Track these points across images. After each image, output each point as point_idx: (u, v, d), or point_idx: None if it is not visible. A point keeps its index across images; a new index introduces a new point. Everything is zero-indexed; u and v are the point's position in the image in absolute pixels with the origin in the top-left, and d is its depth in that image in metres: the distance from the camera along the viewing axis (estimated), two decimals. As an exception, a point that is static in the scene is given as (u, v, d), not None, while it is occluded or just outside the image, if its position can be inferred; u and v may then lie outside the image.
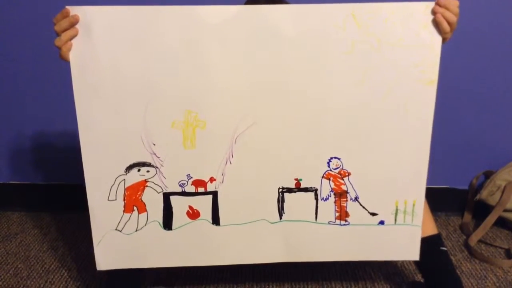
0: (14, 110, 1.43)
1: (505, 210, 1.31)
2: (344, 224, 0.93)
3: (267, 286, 1.13)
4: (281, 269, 1.17)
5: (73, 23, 0.81)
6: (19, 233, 1.41)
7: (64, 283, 1.16)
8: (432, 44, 0.83)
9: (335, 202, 0.92)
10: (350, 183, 0.91)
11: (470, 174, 1.45)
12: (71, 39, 0.81)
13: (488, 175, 1.41)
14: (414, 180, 0.90)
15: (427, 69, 0.84)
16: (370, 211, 0.92)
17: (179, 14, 0.81)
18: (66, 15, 0.80)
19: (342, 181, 0.91)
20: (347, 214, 0.92)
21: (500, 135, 1.39)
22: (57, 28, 0.81)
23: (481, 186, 1.40)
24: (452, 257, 1.15)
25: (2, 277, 1.19)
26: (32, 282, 1.17)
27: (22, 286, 1.15)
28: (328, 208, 0.92)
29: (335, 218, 0.93)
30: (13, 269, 1.22)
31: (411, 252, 0.95)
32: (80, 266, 1.23)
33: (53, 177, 1.52)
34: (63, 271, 1.21)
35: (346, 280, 1.14)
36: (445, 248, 1.01)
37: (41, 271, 1.21)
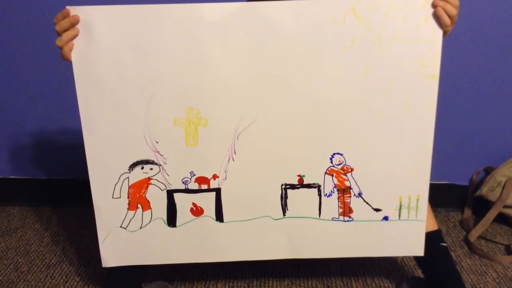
0: (15, 105, 1.41)
1: (505, 206, 1.28)
2: (348, 220, 0.89)
3: (267, 282, 1.09)
4: (280, 265, 1.14)
5: (74, 23, 0.78)
6: (20, 227, 1.38)
7: (64, 277, 1.13)
8: (433, 38, 0.79)
9: (338, 198, 0.88)
10: (353, 179, 0.87)
11: (470, 170, 1.41)
12: (72, 39, 0.79)
13: (488, 171, 1.37)
14: (418, 175, 0.86)
15: (428, 64, 0.80)
16: (374, 207, 0.88)
17: (179, 12, 0.78)
18: (67, 15, 0.77)
19: (345, 177, 0.87)
20: (350, 210, 0.88)
21: (501, 131, 1.35)
22: (58, 28, 0.78)
23: (481, 182, 1.36)
24: (452, 253, 1.12)
25: (3, 271, 1.16)
26: (32, 277, 1.13)
27: (22, 280, 1.12)
28: (331, 204, 0.88)
29: (339, 214, 0.89)
30: (13, 263, 1.19)
31: (415, 248, 0.90)
32: (81, 260, 1.20)
33: (53, 172, 1.49)
34: (64, 265, 1.18)
35: (346, 276, 1.10)
36: (445, 244, 0.97)
37: (41, 265, 1.18)
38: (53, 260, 1.20)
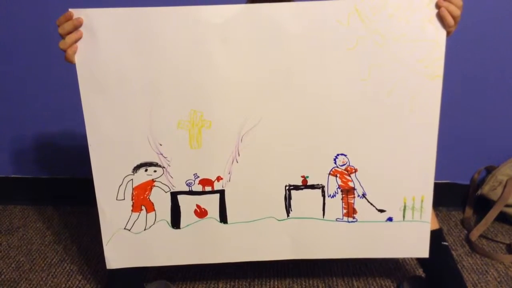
0: (17, 106, 1.41)
1: (507, 205, 1.27)
2: (352, 221, 0.88)
3: (268, 281, 1.09)
4: (282, 264, 1.14)
5: (77, 26, 0.77)
6: (21, 226, 1.37)
7: (66, 276, 1.13)
8: (436, 39, 0.79)
9: (342, 199, 0.87)
10: (357, 180, 0.86)
11: (471, 169, 1.40)
12: (75, 42, 0.78)
13: (489, 170, 1.37)
14: (422, 176, 0.85)
15: (432, 64, 0.80)
16: (378, 208, 0.88)
17: (182, 15, 0.78)
18: (69, 18, 0.76)
19: (349, 178, 0.86)
20: (354, 211, 0.88)
21: (502, 130, 1.34)
22: (61, 31, 0.77)
23: (482, 181, 1.36)
24: (453, 252, 1.13)
25: (5, 270, 1.16)
26: (34, 276, 1.13)
27: (24, 279, 1.12)
28: (335, 205, 0.88)
29: (343, 215, 0.88)
30: (15, 262, 1.19)
31: (420, 249, 0.90)
32: (83, 259, 1.19)
33: (55, 171, 1.49)
34: (65, 264, 1.18)
35: (347, 275, 1.10)
36: (446, 243, 0.97)
37: (43, 264, 1.18)
38: (54, 259, 1.20)
